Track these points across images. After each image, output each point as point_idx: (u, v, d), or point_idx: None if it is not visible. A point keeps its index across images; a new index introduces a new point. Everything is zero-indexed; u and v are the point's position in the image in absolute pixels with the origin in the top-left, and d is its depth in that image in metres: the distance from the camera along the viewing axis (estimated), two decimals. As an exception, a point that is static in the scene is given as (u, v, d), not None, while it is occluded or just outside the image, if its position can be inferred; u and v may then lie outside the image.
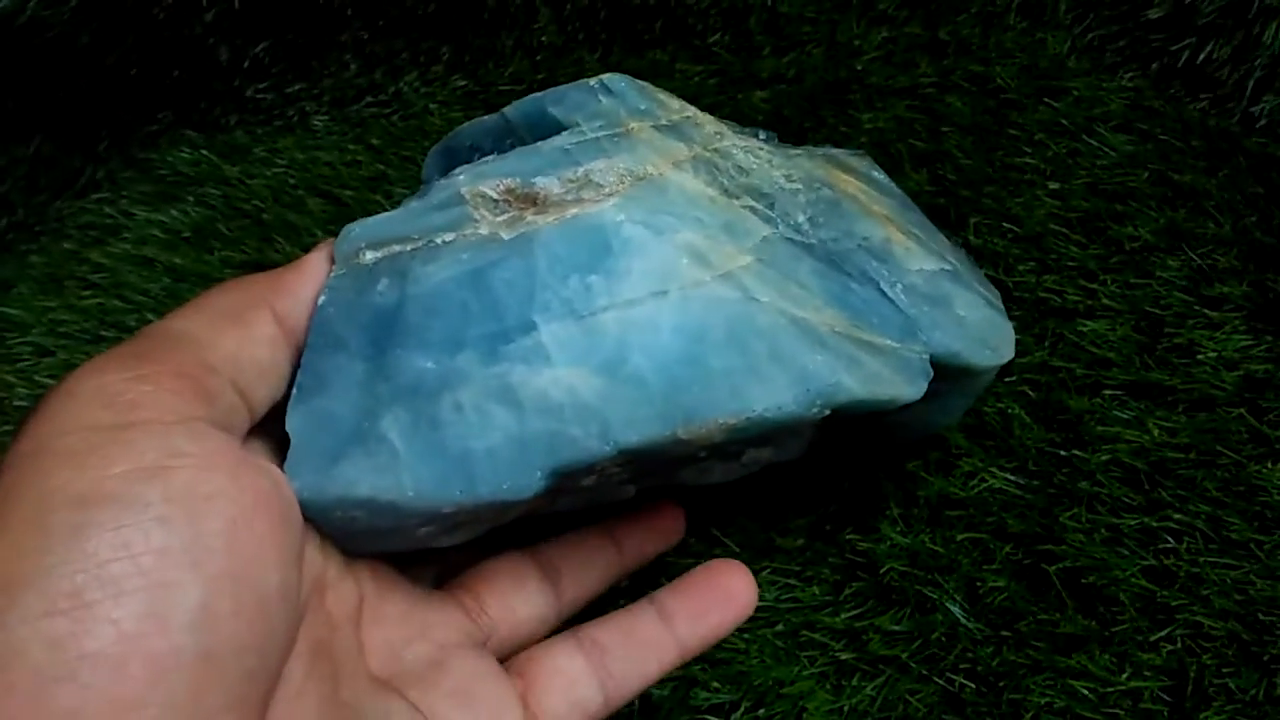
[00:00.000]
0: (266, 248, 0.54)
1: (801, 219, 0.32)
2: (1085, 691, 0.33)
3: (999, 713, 0.33)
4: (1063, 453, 0.39)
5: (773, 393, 0.27)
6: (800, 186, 0.33)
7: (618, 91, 0.32)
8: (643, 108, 0.32)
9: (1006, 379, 0.41)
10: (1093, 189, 0.46)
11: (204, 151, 0.60)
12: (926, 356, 0.30)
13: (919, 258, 0.33)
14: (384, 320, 0.27)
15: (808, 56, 0.56)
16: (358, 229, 0.29)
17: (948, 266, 0.34)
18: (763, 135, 0.36)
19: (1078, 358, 0.41)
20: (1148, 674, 0.33)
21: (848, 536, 0.38)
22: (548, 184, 0.29)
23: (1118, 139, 0.48)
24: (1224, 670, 0.33)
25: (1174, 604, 0.34)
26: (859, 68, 0.54)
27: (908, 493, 0.39)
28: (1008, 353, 0.33)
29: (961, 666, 0.35)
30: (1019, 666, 0.34)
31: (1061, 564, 0.36)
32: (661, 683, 0.36)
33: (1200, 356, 0.40)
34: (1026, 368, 0.42)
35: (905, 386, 0.29)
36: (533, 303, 0.27)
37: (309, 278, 0.27)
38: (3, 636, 0.17)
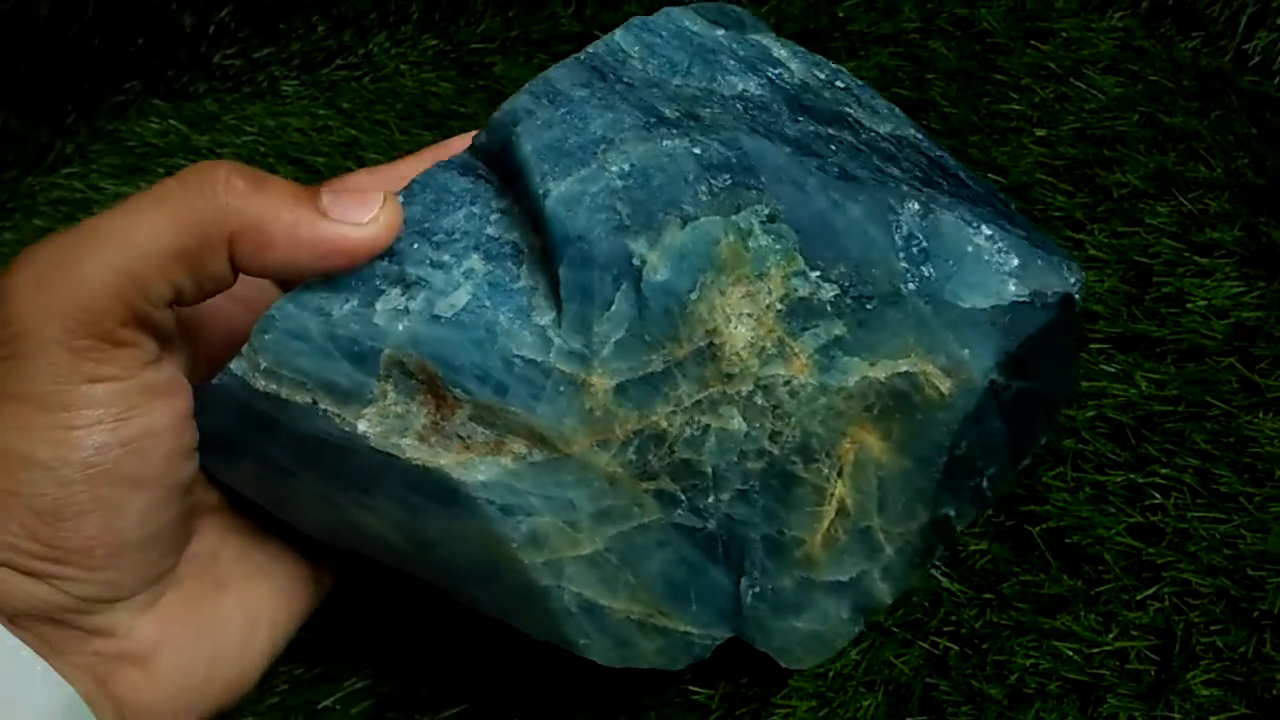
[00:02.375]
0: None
1: (725, 496, 0.30)
2: (1070, 652, 0.32)
3: (984, 675, 0.33)
4: (1048, 409, 0.38)
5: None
6: (770, 452, 0.30)
7: (660, 283, 0.28)
8: (649, 338, 0.28)
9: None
10: (1081, 134, 0.45)
11: (172, 121, 0.59)
12: (722, 641, 0.32)
13: (823, 569, 0.32)
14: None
15: (787, 4, 0.54)
16: (280, 323, 0.27)
17: (854, 575, 0.32)
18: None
19: (1064, 310, 0.40)
20: (1134, 633, 0.33)
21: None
22: (460, 394, 0.27)
23: (1107, 81, 0.46)
24: (1212, 628, 0.32)
25: (1160, 561, 0.34)
26: (840, 14, 0.52)
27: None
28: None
29: (945, 629, 0.34)
30: (1003, 628, 0.33)
31: (1045, 524, 0.35)
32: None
33: (1190, 305, 0.39)
34: (1012, 321, 0.40)
35: (663, 662, 0.31)
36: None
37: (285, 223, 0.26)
38: (3, 535, 0.25)
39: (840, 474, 0.31)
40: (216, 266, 0.26)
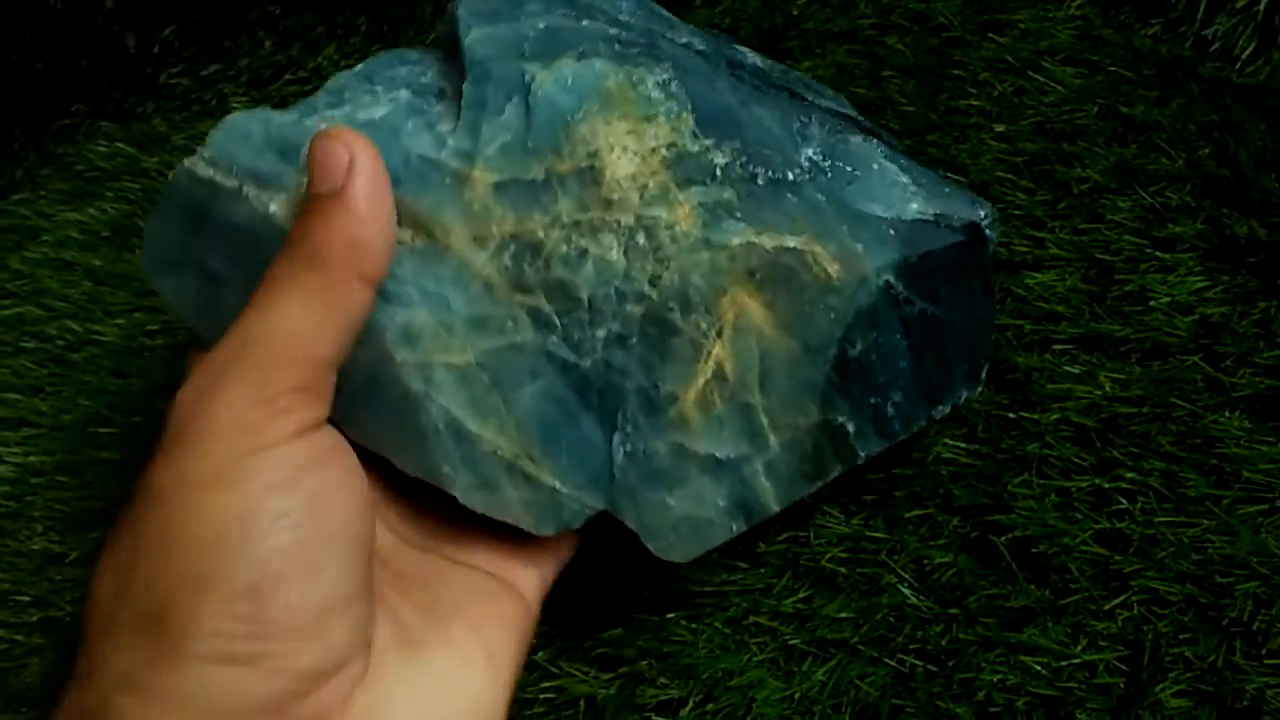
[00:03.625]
0: (191, 241, 0.52)
1: (600, 334, 0.30)
2: (1038, 667, 0.32)
3: (951, 693, 0.32)
4: (1011, 415, 0.37)
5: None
6: (649, 297, 0.30)
7: (547, 98, 0.30)
8: (531, 145, 0.30)
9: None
10: (1040, 129, 0.44)
11: (120, 144, 0.57)
12: (592, 511, 0.31)
13: (698, 436, 0.31)
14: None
15: (742, 3, 0.53)
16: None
17: (732, 454, 0.31)
18: (804, 161, 0.32)
19: (1026, 313, 0.39)
20: (1103, 644, 0.32)
21: (798, 526, 0.37)
22: None
23: (1066, 73, 0.46)
24: (1181, 637, 0.32)
25: (1128, 570, 0.33)
26: (795, 12, 0.51)
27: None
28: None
29: (911, 647, 0.33)
30: (970, 644, 0.33)
31: (1011, 534, 0.34)
32: (606, 681, 0.35)
33: (1153, 303, 0.38)
34: (974, 325, 0.40)
35: (530, 521, 0.31)
36: None
37: (375, 224, 0.28)
38: (201, 618, 0.24)
39: (720, 335, 0.31)
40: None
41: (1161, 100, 0.44)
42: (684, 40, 0.34)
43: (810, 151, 0.32)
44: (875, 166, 0.33)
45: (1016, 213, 0.42)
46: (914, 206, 0.32)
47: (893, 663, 0.33)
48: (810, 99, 0.35)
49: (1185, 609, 0.32)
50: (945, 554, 0.35)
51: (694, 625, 0.35)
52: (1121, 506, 0.34)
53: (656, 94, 0.31)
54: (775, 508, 0.32)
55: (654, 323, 0.30)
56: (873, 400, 0.32)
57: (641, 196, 0.30)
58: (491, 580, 0.31)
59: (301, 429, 0.26)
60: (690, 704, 0.35)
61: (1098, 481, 0.35)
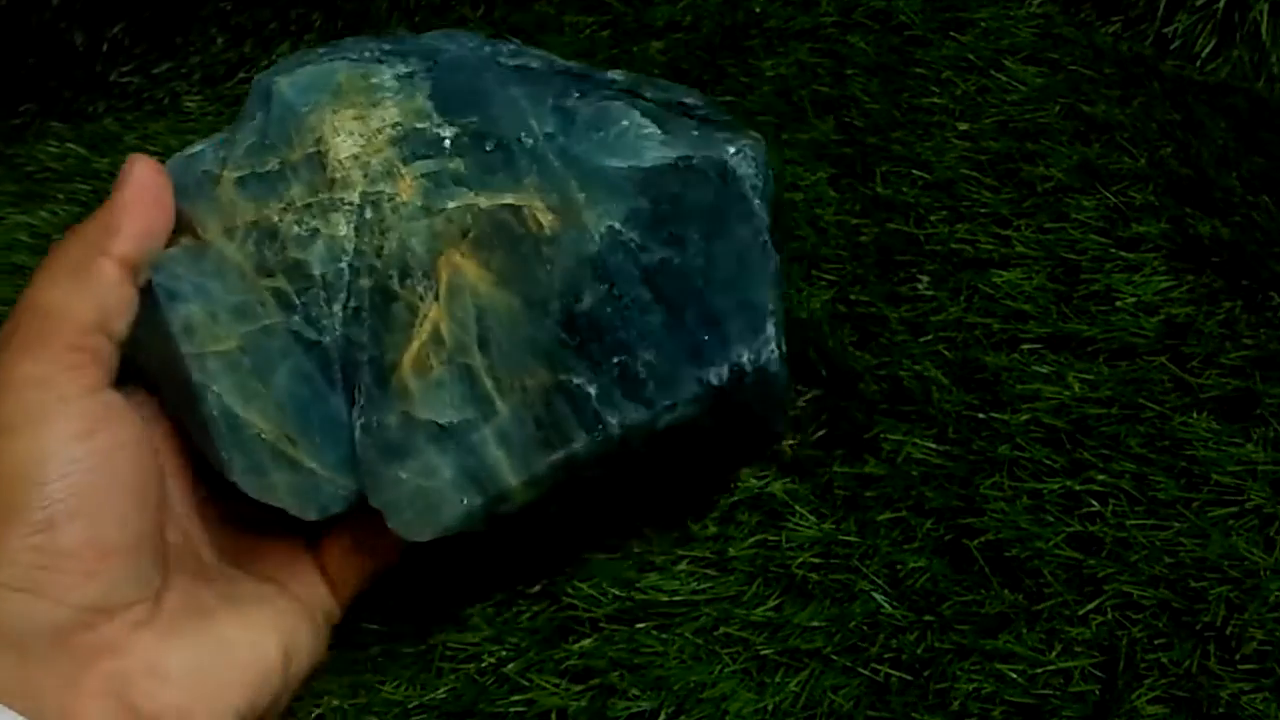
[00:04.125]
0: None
1: (335, 310, 0.31)
2: (1013, 674, 0.32)
3: (926, 703, 0.32)
4: (981, 415, 0.37)
5: None
6: (376, 269, 0.31)
7: (282, 98, 0.32)
8: (268, 140, 0.32)
9: (922, 339, 0.39)
10: (1003, 128, 0.44)
11: (70, 144, 0.56)
12: (348, 493, 0.31)
13: (418, 402, 0.31)
14: None
15: (703, 1, 0.52)
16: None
17: (455, 420, 0.31)
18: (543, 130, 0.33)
19: (994, 311, 0.39)
20: (1078, 650, 0.32)
21: (768, 529, 0.36)
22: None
23: (1027, 72, 0.46)
24: (1156, 642, 0.32)
25: (1101, 574, 0.33)
26: (757, 10, 0.51)
27: (822, 475, 0.37)
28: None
29: (886, 656, 0.33)
30: (944, 653, 0.33)
31: (983, 537, 0.34)
32: (577, 694, 0.34)
33: (1119, 302, 0.38)
34: (942, 325, 0.40)
35: (295, 505, 0.31)
36: None
37: (128, 212, 0.31)
38: (5, 545, 0.28)
39: (437, 297, 0.31)
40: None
41: (1123, 99, 0.44)
42: (512, 61, 0.35)
43: (553, 119, 0.33)
44: (625, 123, 0.33)
45: (982, 210, 0.42)
46: (652, 153, 0.32)
47: (866, 672, 0.33)
48: (609, 84, 0.35)
49: (1159, 614, 0.32)
50: (918, 558, 0.34)
51: (664, 636, 0.35)
52: (1093, 509, 0.34)
53: (390, 83, 0.33)
54: (512, 480, 0.31)
55: (379, 292, 0.31)
56: (616, 360, 0.31)
57: (366, 174, 0.32)
58: (283, 592, 0.34)
59: (90, 386, 0.30)
60: (662, 716, 0.34)
61: (1069, 483, 0.35)
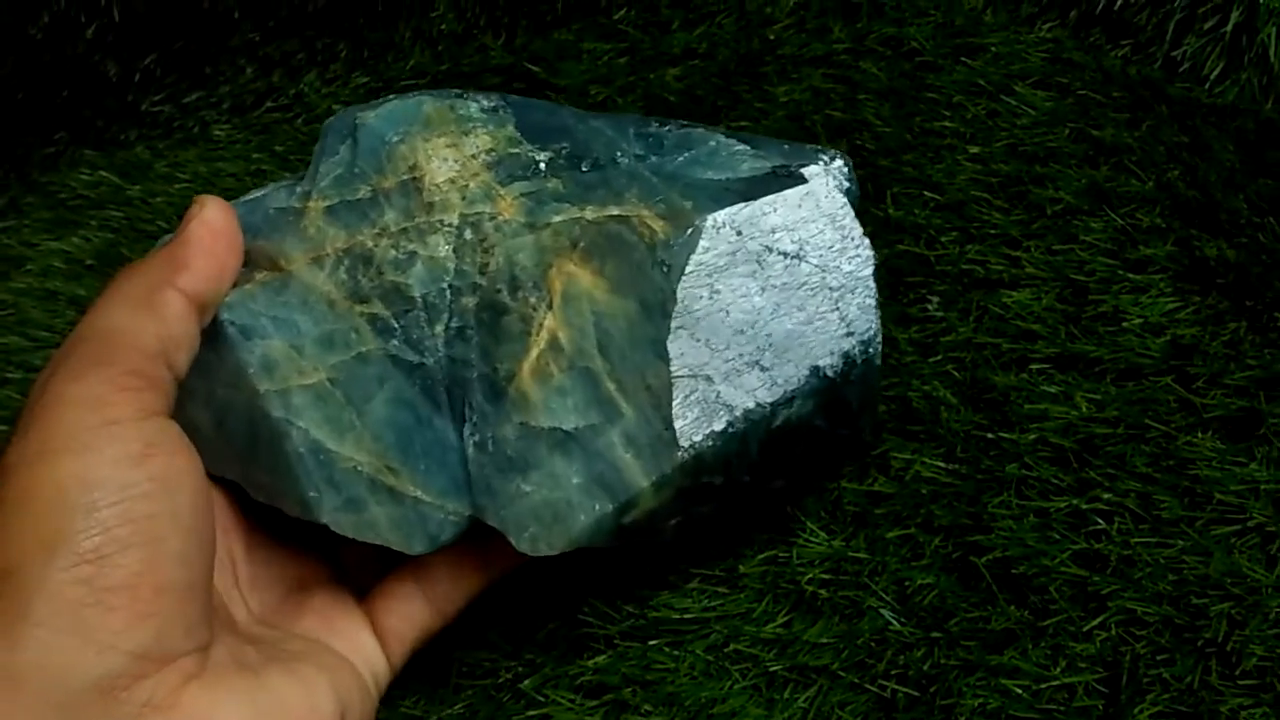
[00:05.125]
0: (174, 270, 0.52)
1: (437, 331, 0.31)
2: (1019, 690, 0.32)
3: (932, 719, 0.33)
4: (990, 435, 0.38)
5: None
6: (481, 286, 0.31)
7: (371, 130, 0.32)
8: (358, 170, 0.32)
9: (932, 359, 0.40)
10: (1013, 151, 0.45)
11: (103, 172, 0.57)
12: (459, 519, 0.31)
13: (540, 411, 0.31)
14: None
15: (719, 29, 0.54)
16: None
17: (580, 425, 0.31)
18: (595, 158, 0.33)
19: (1003, 331, 0.40)
20: (1081, 665, 0.33)
21: (778, 545, 0.37)
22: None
23: (1037, 96, 0.46)
24: (1159, 658, 0.32)
25: (1105, 591, 0.33)
26: (771, 37, 0.52)
27: (831, 491, 0.38)
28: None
29: (893, 672, 0.34)
30: (951, 669, 0.33)
31: (991, 554, 0.35)
32: (591, 709, 0.35)
33: (1126, 323, 0.39)
34: (952, 346, 0.40)
35: (399, 538, 0.31)
36: None
37: (198, 250, 0.30)
38: (47, 578, 0.25)
39: (551, 306, 0.31)
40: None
41: (1131, 122, 0.45)
42: (580, 122, 0.35)
43: (640, 144, 0.33)
44: (712, 143, 0.34)
45: (992, 232, 0.43)
46: (747, 165, 0.33)
47: (874, 689, 0.34)
48: (679, 123, 0.36)
49: (1162, 630, 0.33)
50: (927, 575, 0.35)
51: (676, 653, 0.36)
52: (1099, 527, 0.35)
53: (477, 114, 0.33)
54: (642, 481, 0.30)
55: (486, 308, 0.31)
56: (730, 350, 0.31)
57: (464, 197, 0.32)
58: (331, 650, 0.32)
59: (145, 411, 0.28)
60: (675, 731, 0.35)
61: (1075, 502, 0.35)
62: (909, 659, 0.34)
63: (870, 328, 0.33)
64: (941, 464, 0.38)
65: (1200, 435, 0.36)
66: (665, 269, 0.30)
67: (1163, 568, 0.33)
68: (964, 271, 0.42)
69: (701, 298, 0.31)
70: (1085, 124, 0.44)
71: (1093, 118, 0.45)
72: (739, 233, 0.31)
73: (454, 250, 0.31)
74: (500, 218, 0.32)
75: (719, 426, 0.31)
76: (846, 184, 0.34)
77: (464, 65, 0.56)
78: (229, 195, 0.54)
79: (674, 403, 0.30)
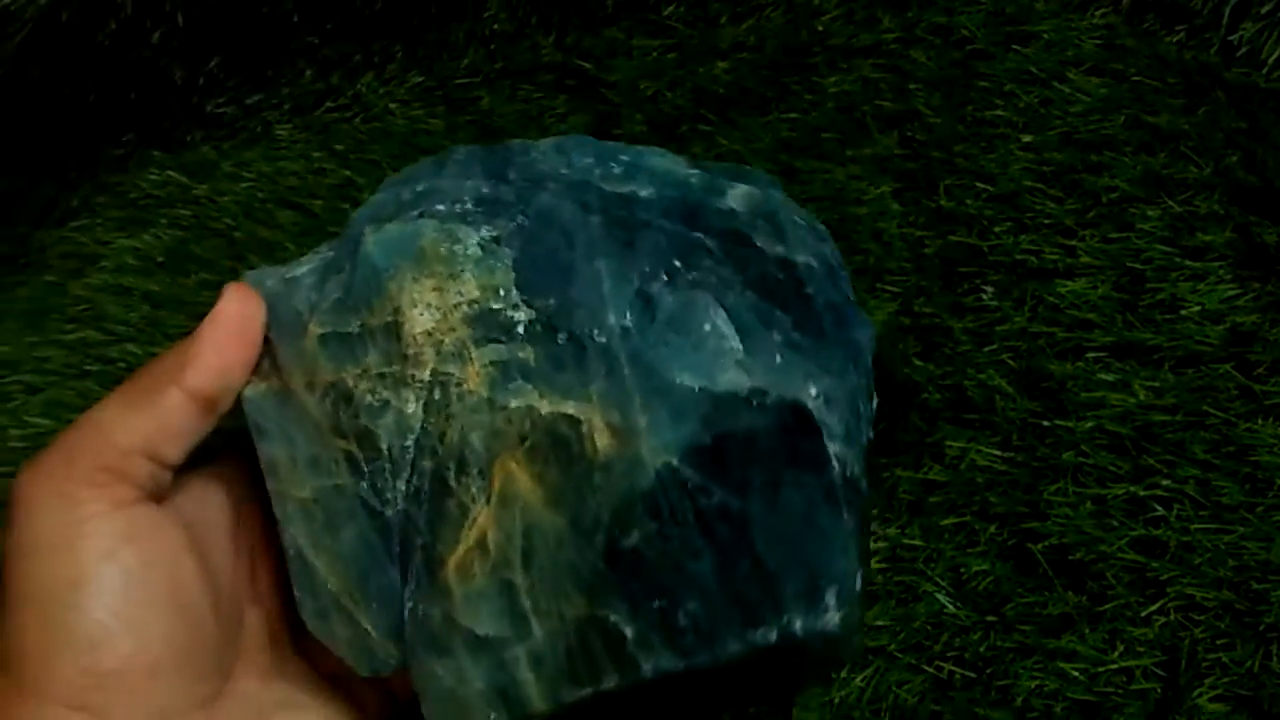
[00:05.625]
0: (241, 266, 0.53)
1: (399, 485, 0.31)
2: (1076, 673, 0.33)
3: (989, 700, 0.33)
4: (1045, 423, 0.38)
5: None
6: (437, 453, 0.30)
7: (368, 258, 0.31)
8: (351, 301, 0.31)
9: (987, 348, 0.40)
10: (1067, 139, 0.45)
11: (170, 172, 0.59)
12: (396, 662, 0.31)
13: (459, 608, 0.30)
14: None
15: (767, 21, 0.54)
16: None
17: (491, 633, 0.29)
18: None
19: (1059, 321, 0.40)
20: (1140, 650, 0.33)
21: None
22: (270, 337, 0.32)
23: (1091, 83, 0.46)
24: (1218, 642, 0.32)
25: (1164, 576, 0.33)
26: (820, 28, 0.52)
27: (886, 480, 0.38)
28: None
29: (949, 654, 0.34)
30: (1007, 651, 0.33)
31: (1047, 541, 0.35)
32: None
33: (1184, 311, 0.39)
34: (1007, 335, 0.40)
35: (351, 658, 0.31)
36: None
37: (208, 346, 0.31)
38: (53, 666, 0.28)
39: (489, 502, 0.30)
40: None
41: (1188, 108, 0.45)
42: (628, 188, 0.32)
43: (632, 312, 0.30)
44: (706, 328, 0.30)
45: (1046, 221, 0.43)
46: (728, 376, 0.29)
47: (931, 669, 0.34)
48: (758, 253, 0.32)
49: (1222, 615, 0.33)
50: (982, 561, 0.35)
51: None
52: (1157, 514, 0.35)
53: (473, 251, 0.31)
54: (540, 705, 0.29)
55: (437, 481, 0.30)
56: (657, 604, 0.28)
57: (438, 352, 0.30)
58: (345, 694, 0.34)
59: (117, 503, 0.30)
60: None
61: (1133, 489, 0.36)
62: (965, 641, 0.34)
63: (819, 610, 0.29)
64: (997, 452, 0.38)
65: (1261, 422, 0.36)
66: (598, 495, 0.29)
67: (1223, 553, 0.34)
68: (1018, 261, 0.42)
69: (631, 535, 0.28)
70: (1140, 110, 0.44)
71: (1148, 104, 0.45)
72: (689, 471, 0.29)
73: (423, 407, 0.30)
74: (465, 385, 0.30)
75: (626, 675, 0.29)
76: (837, 427, 0.30)
77: (517, 63, 0.56)
78: (291, 192, 0.56)
79: (583, 640, 0.29)
